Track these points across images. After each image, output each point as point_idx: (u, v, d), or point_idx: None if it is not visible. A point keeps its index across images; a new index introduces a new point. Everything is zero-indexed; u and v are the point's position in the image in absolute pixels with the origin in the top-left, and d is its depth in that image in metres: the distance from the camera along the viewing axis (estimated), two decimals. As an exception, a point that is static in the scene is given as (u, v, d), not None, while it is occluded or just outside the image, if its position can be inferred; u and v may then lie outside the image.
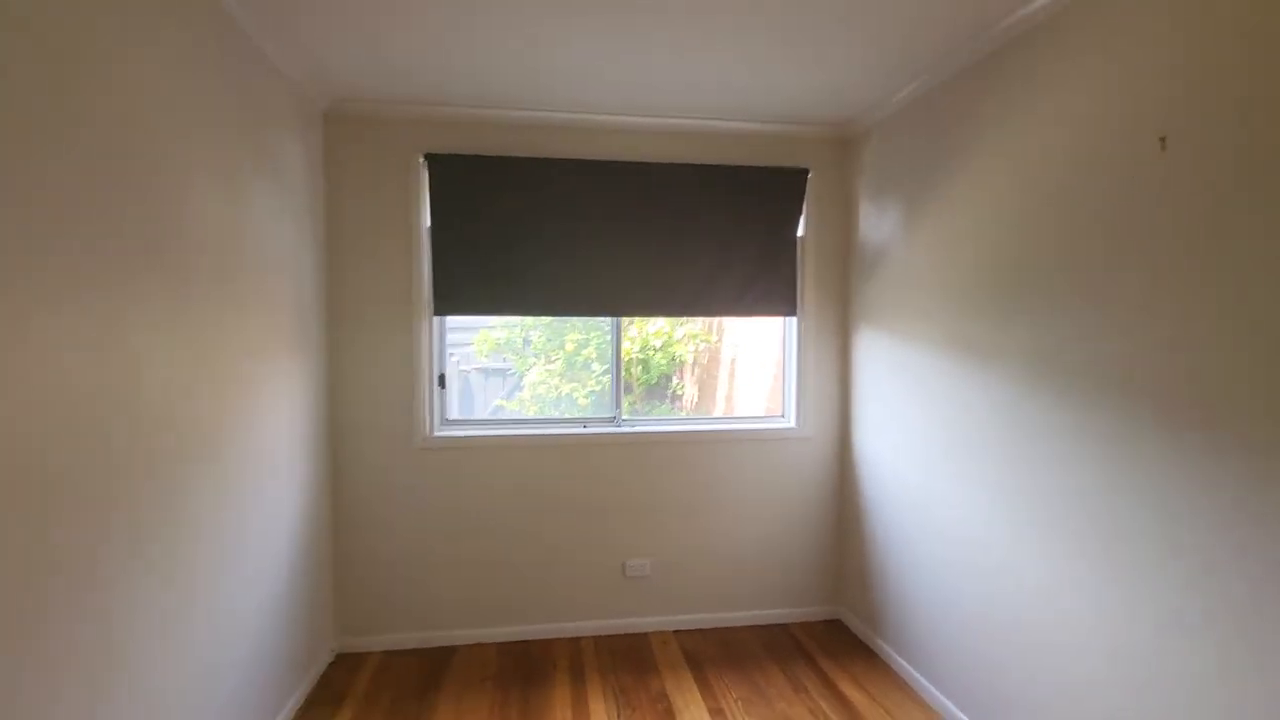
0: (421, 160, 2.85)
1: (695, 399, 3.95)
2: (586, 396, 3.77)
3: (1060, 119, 1.90)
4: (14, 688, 1.18)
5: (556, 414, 3.29)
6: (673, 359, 3.85)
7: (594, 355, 3.76)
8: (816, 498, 3.25)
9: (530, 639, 3.01)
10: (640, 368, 3.88)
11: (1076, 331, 1.83)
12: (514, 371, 3.67)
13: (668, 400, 3.87)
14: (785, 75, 2.49)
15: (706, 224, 3.06)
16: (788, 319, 3.28)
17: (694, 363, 3.98)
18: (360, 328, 2.86)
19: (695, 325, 3.75)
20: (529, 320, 3.38)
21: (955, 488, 2.37)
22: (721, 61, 2.38)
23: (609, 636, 3.06)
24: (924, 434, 2.57)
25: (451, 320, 3.10)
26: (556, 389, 3.64)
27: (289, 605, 2.42)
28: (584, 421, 3.17)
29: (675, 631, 3.11)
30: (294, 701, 2.45)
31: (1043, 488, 1.96)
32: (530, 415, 3.40)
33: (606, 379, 3.69)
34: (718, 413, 3.76)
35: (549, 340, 3.66)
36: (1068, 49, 1.88)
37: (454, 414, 3.11)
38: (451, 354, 3.20)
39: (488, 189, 2.88)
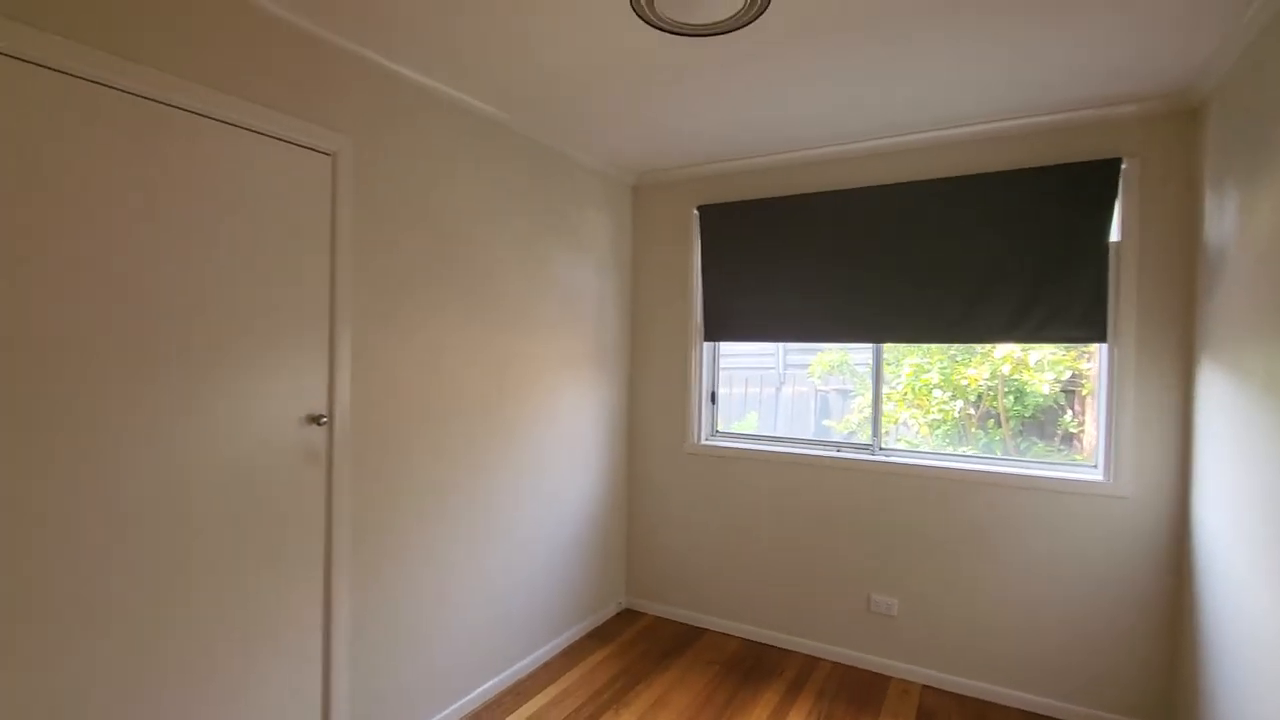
0: (695, 211, 3.40)
1: (1095, 440, 3.01)
2: (930, 425, 3.58)
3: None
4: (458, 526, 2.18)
5: (889, 441, 3.22)
6: (1061, 389, 3.13)
7: (937, 382, 3.45)
8: (1134, 577, 2.51)
9: (772, 644, 3.19)
10: (1012, 398, 3.53)
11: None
12: (855, 394, 3.79)
13: (1055, 440, 3.15)
14: (1089, 46, 2.05)
15: (975, 239, 2.74)
16: (1101, 347, 2.63)
17: (1087, 395, 3.12)
18: (653, 351, 3.57)
19: (1054, 350, 3.07)
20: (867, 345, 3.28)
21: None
22: (1003, 56, 2.13)
23: (848, 667, 2.99)
24: (1249, 509, 1.83)
25: (791, 345, 3.72)
26: (893, 415, 3.55)
27: (579, 556, 3.25)
28: (839, 445, 3.19)
29: (925, 686, 2.83)
30: (578, 629, 3.26)
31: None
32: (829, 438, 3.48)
33: (952, 406, 3.38)
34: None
35: (888, 365, 3.50)
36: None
37: (781, 431, 3.66)
38: (809, 375, 3.80)
39: (747, 228, 3.25)
